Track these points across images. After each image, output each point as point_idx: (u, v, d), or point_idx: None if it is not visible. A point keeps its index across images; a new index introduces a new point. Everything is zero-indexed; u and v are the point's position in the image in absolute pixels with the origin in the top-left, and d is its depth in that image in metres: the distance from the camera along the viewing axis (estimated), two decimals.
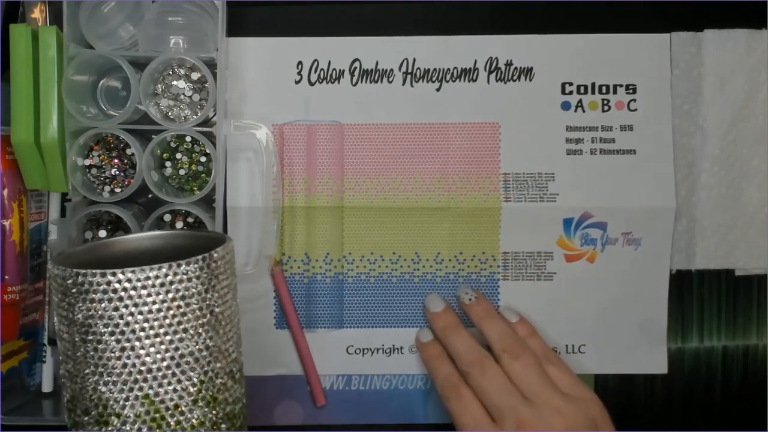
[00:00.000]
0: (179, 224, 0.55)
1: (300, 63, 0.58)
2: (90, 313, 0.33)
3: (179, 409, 0.33)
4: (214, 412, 0.35)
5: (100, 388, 0.33)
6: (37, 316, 0.57)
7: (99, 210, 0.54)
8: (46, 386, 0.58)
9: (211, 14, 0.55)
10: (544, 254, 0.58)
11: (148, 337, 0.33)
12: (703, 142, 0.58)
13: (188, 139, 0.56)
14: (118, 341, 0.33)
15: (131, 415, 0.32)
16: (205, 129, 0.54)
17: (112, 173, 0.55)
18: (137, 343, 0.33)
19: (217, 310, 0.35)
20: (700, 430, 0.59)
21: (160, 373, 0.33)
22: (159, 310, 0.33)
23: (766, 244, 0.59)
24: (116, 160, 0.55)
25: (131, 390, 0.32)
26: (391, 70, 0.58)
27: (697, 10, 0.58)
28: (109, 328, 0.32)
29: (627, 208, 0.58)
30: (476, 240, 0.58)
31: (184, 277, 0.34)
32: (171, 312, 0.33)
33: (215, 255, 0.35)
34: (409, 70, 0.58)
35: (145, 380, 0.32)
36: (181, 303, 0.33)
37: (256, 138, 0.56)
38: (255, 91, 0.58)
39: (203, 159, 0.56)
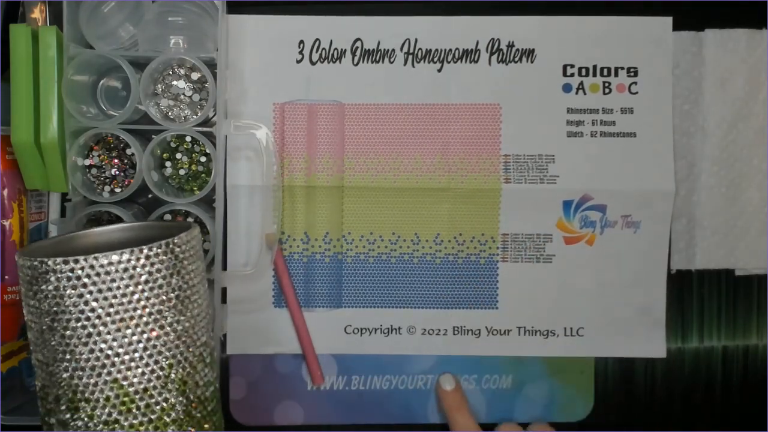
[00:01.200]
0: None
1: (302, 42, 0.58)
2: (55, 300, 0.33)
3: (148, 392, 0.33)
4: (183, 395, 0.35)
5: (68, 374, 0.33)
6: None
7: (99, 210, 0.54)
8: None
9: (211, 14, 0.55)
10: (543, 236, 0.58)
11: (113, 322, 0.33)
12: (703, 142, 0.58)
13: (188, 139, 0.56)
14: (83, 327, 0.33)
15: (101, 399, 0.33)
16: (205, 129, 0.54)
17: (112, 173, 0.55)
18: (103, 329, 0.33)
19: (182, 294, 0.35)
20: (700, 430, 0.59)
21: (127, 357, 0.33)
22: (123, 295, 0.33)
23: (766, 244, 0.59)
24: (116, 160, 0.55)
25: (99, 375, 0.33)
26: (393, 50, 0.58)
27: (697, 10, 0.58)
28: (75, 315, 0.33)
29: (627, 191, 0.58)
30: (476, 221, 0.58)
31: (147, 261, 0.34)
32: (135, 296, 0.34)
33: (177, 240, 0.35)
34: (411, 51, 0.58)
35: (113, 365, 0.33)
36: (145, 287, 0.34)
37: (256, 138, 0.56)
38: (256, 70, 0.58)
39: (203, 159, 0.56)
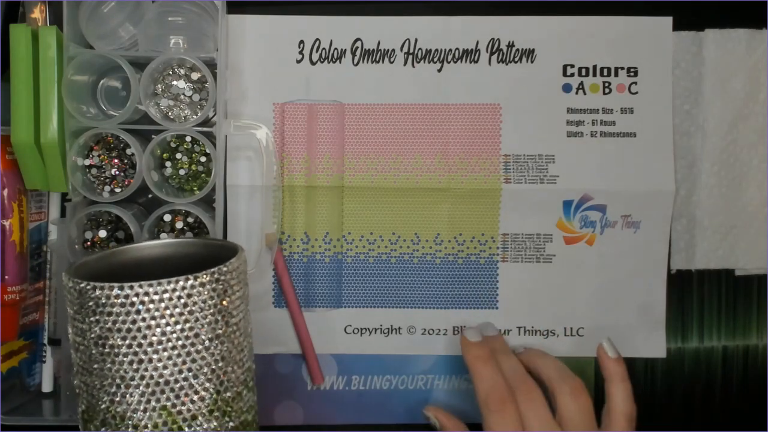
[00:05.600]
0: (179, 224, 0.55)
1: (302, 42, 0.58)
2: (107, 326, 0.33)
3: (196, 419, 0.33)
4: (229, 421, 0.35)
5: (117, 399, 0.32)
6: (37, 316, 0.57)
7: (99, 210, 0.54)
8: (46, 386, 0.58)
9: (211, 14, 0.55)
10: (543, 236, 0.58)
11: (165, 349, 0.32)
12: (703, 142, 0.58)
13: (188, 139, 0.56)
14: (135, 354, 0.32)
15: (149, 425, 0.32)
16: (205, 129, 0.54)
17: (112, 173, 0.55)
18: (155, 356, 0.32)
19: (231, 320, 0.35)
20: (700, 430, 0.59)
21: (177, 385, 0.33)
22: (176, 323, 0.33)
23: (766, 244, 0.59)
24: (116, 160, 0.55)
25: (149, 402, 0.32)
26: (393, 50, 0.58)
27: (697, 10, 0.58)
28: (127, 341, 0.32)
29: (627, 191, 0.58)
30: (476, 221, 0.58)
31: (201, 289, 0.34)
32: (188, 324, 0.33)
33: (230, 266, 0.35)
34: (411, 51, 0.58)
35: (162, 392, 0.32)
36: (198, 315, 0.33)
37: (256, 138, 0.56)
38: (256, 70, 0.58)
39: (203, 159, 0.56)
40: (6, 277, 0.53)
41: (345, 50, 0.58)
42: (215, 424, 0.34)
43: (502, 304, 0.59)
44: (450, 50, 0.58)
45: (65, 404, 0.54)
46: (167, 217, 0.55)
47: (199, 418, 0.33)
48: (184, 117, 0.55)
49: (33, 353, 0.57)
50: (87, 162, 0.55)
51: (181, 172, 0.56)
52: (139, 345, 0.32)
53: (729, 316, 0.60)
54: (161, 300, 0.32)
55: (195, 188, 0.57)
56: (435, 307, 0.59)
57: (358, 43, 0.58)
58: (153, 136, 0.54)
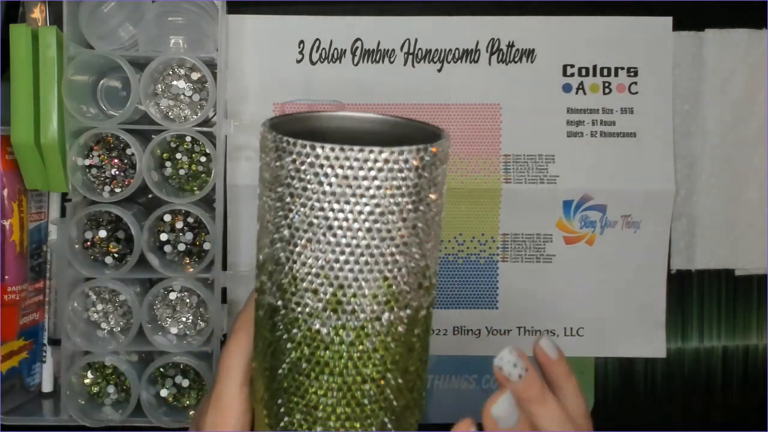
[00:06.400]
0: (179, 224, 0.55)
1: (302, 42, 0.58)
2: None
3: (409, 293, 0.32)
4: (430, 297, 0.34)
5: (337, 266, 0.31)
6: (37, 316, 0.57)
7: (99, 210, 0.54)
8: (46, 386, 0.58)
9: (211, 14, 0.55)
10: (543, 236, 0.58)
11: (377, 219, 0.31)
12: (703, 142, 0.58)
13: (188, 139, 0.56)
14: (352, 220, 0.31)
15: (368, 294, 0.31)
16: (205, 129, 0.54)
17: (112, 173, 0.55)
18: (375, 225, 0.31)
19: (440, 200, 0.34)
20: (700, 430, 0.59)
21: (393, 258, 0.31)
22: (413, 187, 0.32)
23: (766, 244, 0.59)
24: (116, 160, 0.55)
25: (371, 271, 0.31)
26: (393, 50, 0.58)
27: (697, 10, 0.58)
28: (339, 205, 0.31)
29: (627, 190, 0.58)
30: (476, 221, 0.58)
31: (438, 156, 0.33)
32: (423, 190, 0.32)
33: (437, 145, 0.33)
34: (411, 51, 0.58)
35: (386, 262, 0.31)
36: (432, 183, 0.32)
37: (257, 138, 0.55)
38: (256, 70, 0.58)
39: (203, 159, 0.56)
40: (6, 277, 0.53)
41: (345, 50, 0.58)
42: (423, 301, 0.33)
43: (502, 304, 0.59)
44: (450, 50, 0.58)
45: (65, 404, 0.54)
46: (167, 217, 0.55)
47: (412, 292, 0.32)
48: (184, 117, 0.55)
49: (33, 353, 0.57)
50: (87, 162, 0.55)
51: (181, 172, 0.56)
52: (358, 212, 0.31)
53: (729, 316, 0.60)
54: (371, 168, 0.31)
55: (195, 188, 0.57)
56: (435, 307, 0.59)
57: (358, 43, 0.58)
58: (153, 136, 0.54)
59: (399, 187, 0.31)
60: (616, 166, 0.58)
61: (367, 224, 0.31)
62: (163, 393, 0.56)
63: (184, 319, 0.56)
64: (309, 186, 0.31)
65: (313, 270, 0.31)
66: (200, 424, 0.35)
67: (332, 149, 0.30)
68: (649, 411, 0.60)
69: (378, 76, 0.58)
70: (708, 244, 0.59)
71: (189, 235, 0.56)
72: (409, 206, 0.32)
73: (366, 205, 0.31)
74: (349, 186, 0.31)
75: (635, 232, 0.58)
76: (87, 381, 0.57)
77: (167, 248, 0.56)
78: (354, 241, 0.31)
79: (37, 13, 0.55)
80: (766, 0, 0.58)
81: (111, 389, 0.57)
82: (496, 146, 0.58)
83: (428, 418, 0.59)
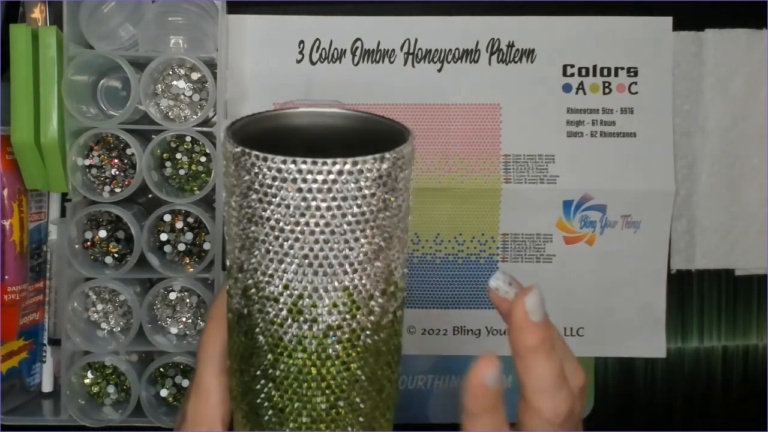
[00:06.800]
0: (179, 224, 0.55)
1: (302, 42, 0.58)
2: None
3: (372, 299, 0.32)
4: (396, 303, 0.34)
5: (298, 277, 0.31)
6: (37, 316, 0.57)
7: (99, 210, 0.54)
8: (46, 386, 0.58)
9: (211, 14, 0.55)
10: (543, 236, 0.58)
11: (348, 230, 0.31)
12: (703, 142, 0.58)
13: (188, 139, 0.56)
14: (306, 232, 0.30)
15: (328, 304, 0.31)
16: (205, 129, 0.54)
17: (112, 173, 0.55)
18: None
19: (404, 204, 0.33)
20: (700, 430, 0.59)
21: (361, 266, 0.31)
22: (370, 197, 0.31)
23: (766, 244, 0.59)
24: (116, 160, 0.55)
25: (330, 281, 0.31)
26: (393, 50, 0.58)
27: (697, 10, 0.58)
28: (294, 218, 0.30)
29: (627, 190, 0.58)
30: (476, 221, 0.58)
31: (398, 164, 0.32)
32: (384, 197, 0.31)
33: (402, 150, 0.32)
34: (411, 51, 0.58)
35: (345, 272, 0.31)
36: (393, 190, 0.32)
37: None
38: (256, 70, 0.58)
39: (203, 159, 0.56)
40: (6, 277, 0.53)
41: (345, 50, 0.58)
42: (388, 304, 0.33)
43: None
44: (450, 50, 0.58)
45: (65, 404, 0.54)
46: (167, 217, 0.55)
47: (375, 299, 0.32)
48: (184, 117, 0.55)
49: (33, 353, 0.57)
50: (87, 162, 0.55)
51: (181, 172, 0.56)
52: (314, 224, 0.30)
53: (729, 316, 0.60)
54: (363, 179, 0.30)
55: (195, 188, 0.57)
56: (435, 307, 0.59)
57: (358, 43, 0.58)
58: (153, 136, 0.54)
59: (355, 198, 0.31)
60: (616, 166, 0.58)
61: (323, 236, 0.30)
62: (163, 393, 0.56)
63: (184, 319, 0.56)
64: (264, 198, 0.31)
65: (274, 279, 0.31)
66: (183, 412, 0.36)
67: (284, 161, 0.30)
68: (649, 411, 0.60)
69: (378, 76, 0.58)
70: (708, 244, 0.59)
71: (189, 235, 0.56)
72: (368, 215, 0.31)
73: (322, 217, 0.30)
74: (304, 198, 0.30)
75: (635, 232, 0.58)
76: (87, 381, 0.57)
77: (167, 248, 0.56)
78: (311, 253, 0.31)
79: (37, 13, 0.55)
80: (766, 0, 0.58)
81: (111, 389, 0.57)
82: (496, 146, 0.58)
83: (428, 418, 0.59)
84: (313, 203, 0.30)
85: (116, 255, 0.56)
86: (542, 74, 0.58)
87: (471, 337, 0.59)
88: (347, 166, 0.30)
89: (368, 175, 0.31)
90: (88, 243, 0.56)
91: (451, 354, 0.59)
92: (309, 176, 0.30)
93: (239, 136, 0.33)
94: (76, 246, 0.55)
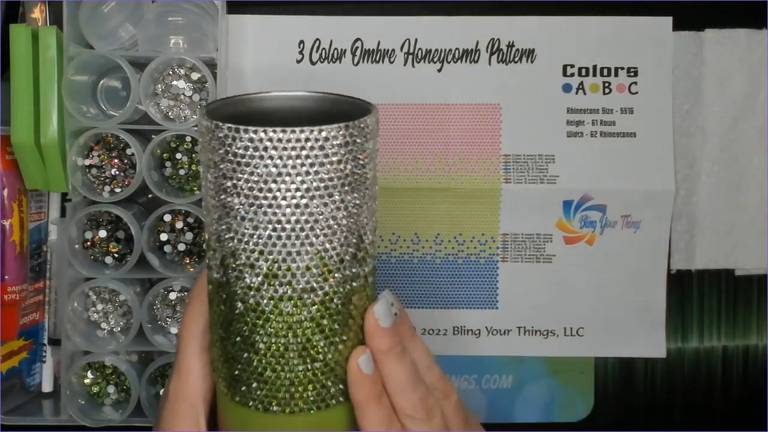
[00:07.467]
0: (179, 224, 0.55)
1: (302, 42, 0.58)
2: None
3: (344, 263, 0.34)
4: (367, 268, 0.36)
5: (272, 241, 0.33)
6: (37, 316, 0.57)
7: (99, 210, 0.54)
8: (46, 386, 0.58)
9: (211, 14, 0.55)
10: (543, 236, 0.58)
11: (329, 194, 0.33)
12: (703, 142, 0.58)
13: (188, 139, 0.56)
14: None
15: (301, 267, 0.33)
16: None
17: (112, 173, 0.55)
18: (313, 201, 0.33)
19: (371, 173, 0.35)
20: (700, 430, 0.59)
21: (331, 230, 0.33)
22: (338, 164, 0.33)
23: (766, 244, 0.59)
24: (116, 160, 0.55)
25: (302, 244, 0.33)
26: (393, 50, 0.58)
27: (697, 10, 0.58)
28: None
29: (626, 190, 0.58)
30: (476, 221, 0.58)
31: (363, 133, 0.34)
32: (350, 165, 0.34)
33: (367, 120, 0.35)
34: (411, 51, 0.58)
35: (317, 236, 0.33)
36: (359, 158, 0.34)
37: None
38: (256, 70, 0.58)
39: None
40: (6, 277, 0.53)
41: (345, 50, 0.58)
42: (360, 269, 0.35)
43: (502, 304, 0.59)
44: (450, 50, 0.58)
45: (65, 404, 0.54)
46: (167, 217, 0.55)
47: (346, 263, 0.34)
48: (184, 117, 0.55)
49: (33, 353, 0.57)
50: (87, 162, 0.55)
51: (181, 172, 0.56)
52: (285, 190, 0.32)
53: (729, 316, 0.60)
54: (330, 146, 0.33)
55: (195, 188, 0.57)
56: (435, 307, 0.59)
57: (358, 43, 0.58)
58: (153, 136, 0.54)
59: (323, 164, 0.33)
60: (616, 166, 0.58)
61: (294, 201, 0.32)
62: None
63: None
64: (237, 168, 0.33)
65: (249, 246, 0.33)
66: (166, 391, 0.37)
67: (255, 132, 0.32)
68: (649, 411, 0.60)
69: (378, 76, 0.58)
70: (708, 244, 0.59)
71: (189, 235, 0.56)
72: (336, 182, 0.33)
73: (292, 183, 0.32)
74: (275, 166, 0.32)
75: (635, 232, 0.58)
76: (87, 381, 0.57)
77: (167, 248, 0.56)
78: (284, 218, 0.32)
79: (37, 13, 0.56)
80: (766, 0, 0.58)
81: (111, 389, 0.57)
82: (496, 146, 0.58)
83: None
84: (284, 170, 0.32)
85: (116, 255, 0.56)
86: (542, 74, 0.58)
87: (471, 337, 0.59)
88: (314, 134, 0.32)
89: (335, 142, 0.33)
90: (88, 243, 0.56)
91: (451, 354, 0.59)
92: (279, 144, 0.32)
93: (214, 116, 0.34)
94: (76, 246, 0.55)
